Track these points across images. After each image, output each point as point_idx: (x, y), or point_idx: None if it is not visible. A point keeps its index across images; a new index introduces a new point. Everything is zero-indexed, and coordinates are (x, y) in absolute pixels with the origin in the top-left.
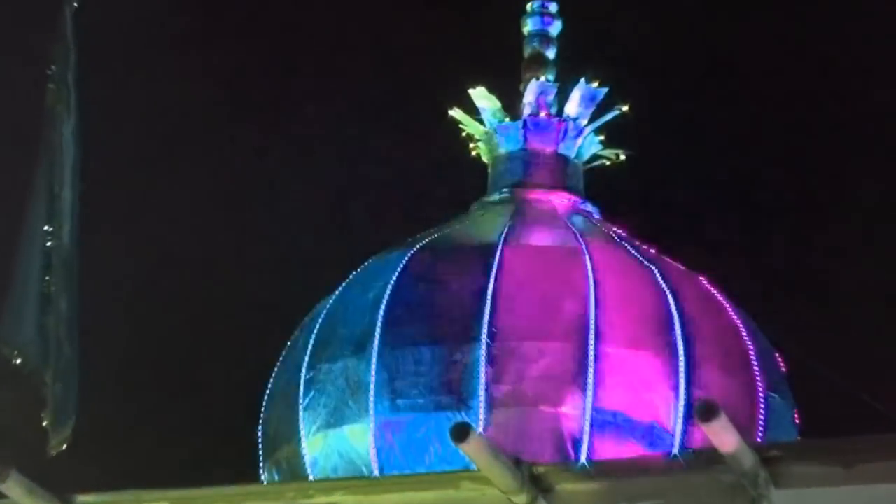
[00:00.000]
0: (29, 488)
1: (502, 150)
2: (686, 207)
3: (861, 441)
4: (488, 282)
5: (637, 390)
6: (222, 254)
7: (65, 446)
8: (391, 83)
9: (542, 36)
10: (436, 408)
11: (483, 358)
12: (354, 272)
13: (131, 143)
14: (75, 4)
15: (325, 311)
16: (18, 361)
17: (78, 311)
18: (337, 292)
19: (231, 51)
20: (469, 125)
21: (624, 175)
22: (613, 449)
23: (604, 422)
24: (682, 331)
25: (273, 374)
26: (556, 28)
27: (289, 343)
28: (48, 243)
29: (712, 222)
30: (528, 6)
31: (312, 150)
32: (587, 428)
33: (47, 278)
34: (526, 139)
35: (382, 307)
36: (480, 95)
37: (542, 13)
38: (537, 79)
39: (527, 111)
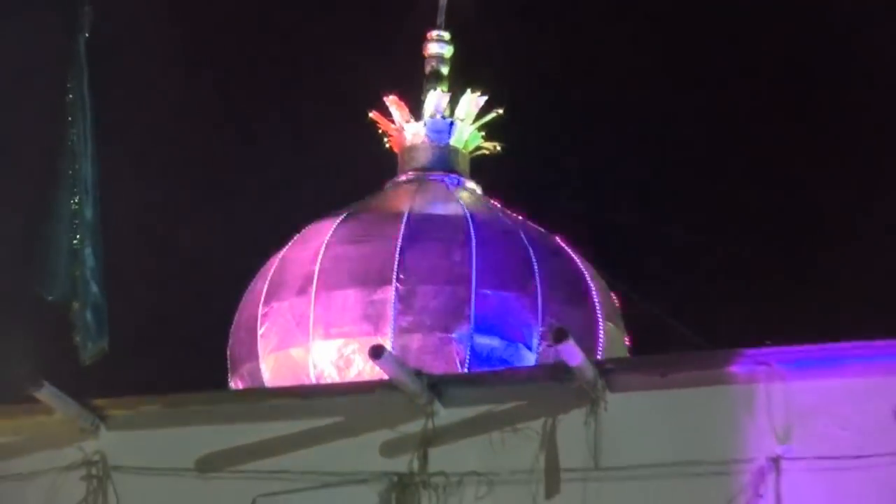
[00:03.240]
0: (57, 395)
1: (409, 143)
2: (549, 185)
3: (672, 357)
4: (398, 241)
5: (507, 320)
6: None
7: (94, 361)
8: (323, 98)
9: (439, 58)
10: (359, 334)
11: (394, 296)
12: (297, 234)
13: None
14: (86, 35)
15: (275, 264)
16: (51, 298)
17: (101, 261)
18: (284, 249)
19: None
20: (384, 124)
21: (498, 162)
22: (490, 363)
23: (483, 344)
24: (540, 276)
25: (238, 311)
26: (448, 51)
27: (248, 287)
28: (74, 211)
29: (568, 197)
30: (428, 35)
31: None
32: (469, 349)
33: (75, 237)
34: (427, 135)
35: (319, 259)
36: (392, 102)
37: (438, 40)
38: (435, 90)
39: (427, 114)
